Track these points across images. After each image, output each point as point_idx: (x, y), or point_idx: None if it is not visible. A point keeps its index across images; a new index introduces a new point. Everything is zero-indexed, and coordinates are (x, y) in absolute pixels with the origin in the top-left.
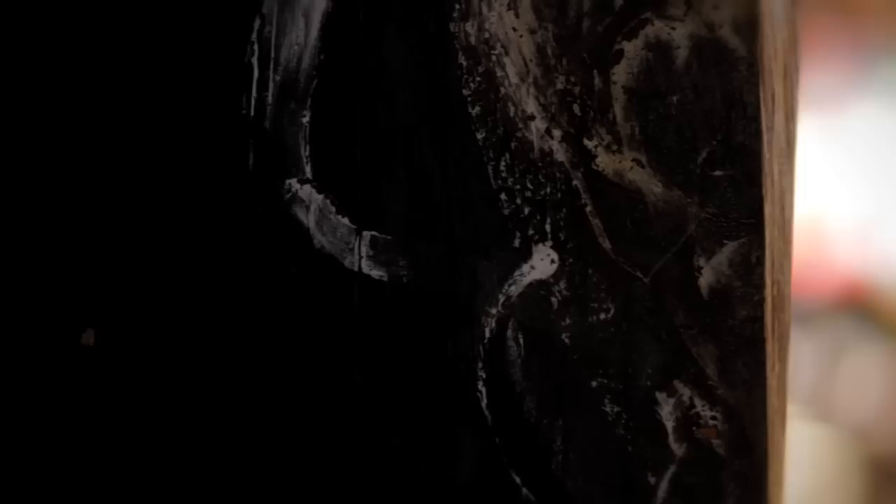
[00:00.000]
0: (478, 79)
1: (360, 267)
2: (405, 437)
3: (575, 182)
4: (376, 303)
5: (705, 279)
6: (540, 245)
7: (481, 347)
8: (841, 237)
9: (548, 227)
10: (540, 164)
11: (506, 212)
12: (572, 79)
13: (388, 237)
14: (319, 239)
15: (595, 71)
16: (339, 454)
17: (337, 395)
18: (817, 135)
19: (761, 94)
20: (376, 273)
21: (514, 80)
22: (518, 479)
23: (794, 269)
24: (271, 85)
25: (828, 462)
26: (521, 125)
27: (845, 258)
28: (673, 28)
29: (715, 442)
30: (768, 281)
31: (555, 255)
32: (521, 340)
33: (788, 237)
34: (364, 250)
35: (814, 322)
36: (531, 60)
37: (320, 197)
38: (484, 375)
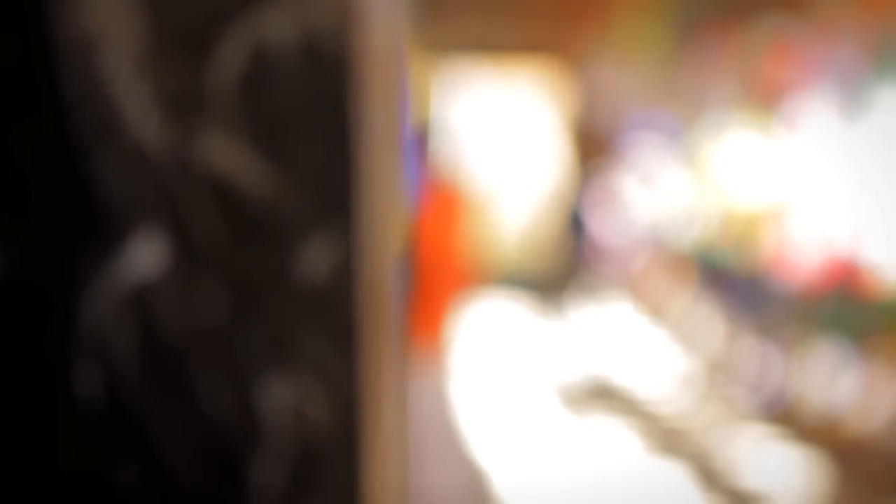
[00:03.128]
0: (81, 70)
1: None
2: (6, 432)
3: (180, 175)
4: None
5: (308, 272)
6: (145, 239)
7: (86, 340)
8: (828, 222)
9: (153, 221)
10: (144, 157)
11: (109, 205)
12: (178, 72)
13: None
14: None
15: (200, 65)
16: None
17: None
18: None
19: (361, 91)
20: None
21: (119, 72)
22: (126, 469)
23: (784, 251)
24: None
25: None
26: (124, 118)
27: (831, 241)
28: (276, 26)
29: (318, 431)
30: (367, 276)
31: (162, 249)
32: (130, 333)
33: (393, 233)
34: None
35: (801, 303)
36: (137, 53)
37: None
38: (89, 368)
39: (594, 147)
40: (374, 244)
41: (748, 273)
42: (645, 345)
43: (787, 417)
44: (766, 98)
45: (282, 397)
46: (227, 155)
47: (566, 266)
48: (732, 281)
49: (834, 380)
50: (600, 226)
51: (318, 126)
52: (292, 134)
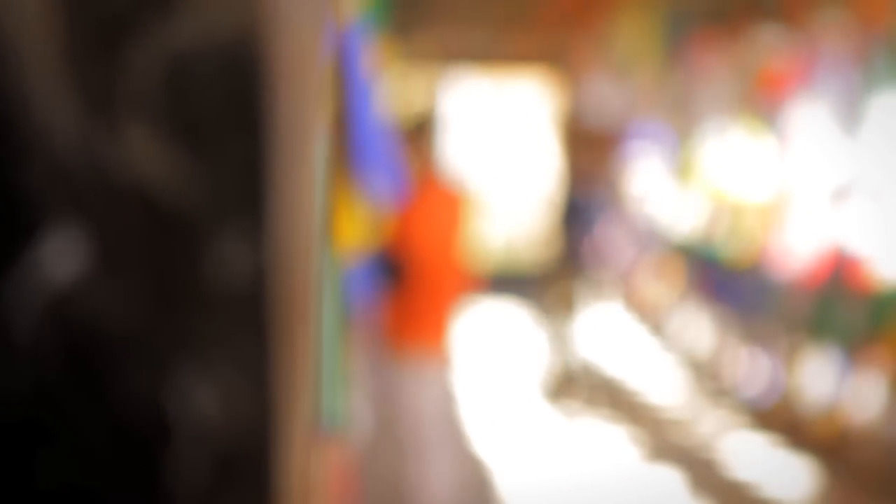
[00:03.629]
0: None
1: None
2: None
3: (97, 175)
4: None
5: (228, 271)
6: (61, 239)
7: (8, 344)
8: (822, 223)
9: (69, 221)
10: (61, 157)
11: (23, 205)
12: (95, 71)
13: None
14: None
15: (118, 64)
16: None
17: None
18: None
19: (279, 90)
20: None
21: (35, 71)
22: (42, 472)
23: (779, 252)
24: None
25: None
26: (40, 116)
27: (825, 241)
28: (194, 26)
29: (237, 432)
30: (280, 279)
31: (78, 249)
32: (45, 335)
33: (310, 240)
34: None
35: (794, 302)
36: (54, 52)
37: None
38: (3, 370)
39: (591, 153)
40: (294, 243)
41: (742, 273)
42: (640, 344)
43: (779, 415)
44: (761, 104)
45: (201, 398)
46: (145, 154)
47: (563, 268)
48: (727, 281)
49: (826, 377)
50: (597, 229)
51: (237, 126)
52: (210, 133)
